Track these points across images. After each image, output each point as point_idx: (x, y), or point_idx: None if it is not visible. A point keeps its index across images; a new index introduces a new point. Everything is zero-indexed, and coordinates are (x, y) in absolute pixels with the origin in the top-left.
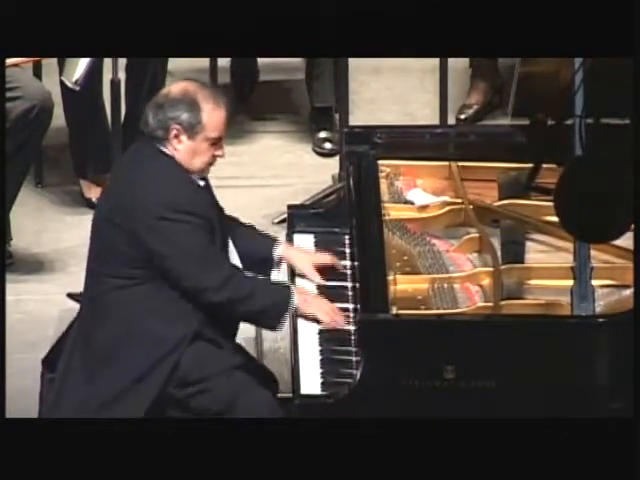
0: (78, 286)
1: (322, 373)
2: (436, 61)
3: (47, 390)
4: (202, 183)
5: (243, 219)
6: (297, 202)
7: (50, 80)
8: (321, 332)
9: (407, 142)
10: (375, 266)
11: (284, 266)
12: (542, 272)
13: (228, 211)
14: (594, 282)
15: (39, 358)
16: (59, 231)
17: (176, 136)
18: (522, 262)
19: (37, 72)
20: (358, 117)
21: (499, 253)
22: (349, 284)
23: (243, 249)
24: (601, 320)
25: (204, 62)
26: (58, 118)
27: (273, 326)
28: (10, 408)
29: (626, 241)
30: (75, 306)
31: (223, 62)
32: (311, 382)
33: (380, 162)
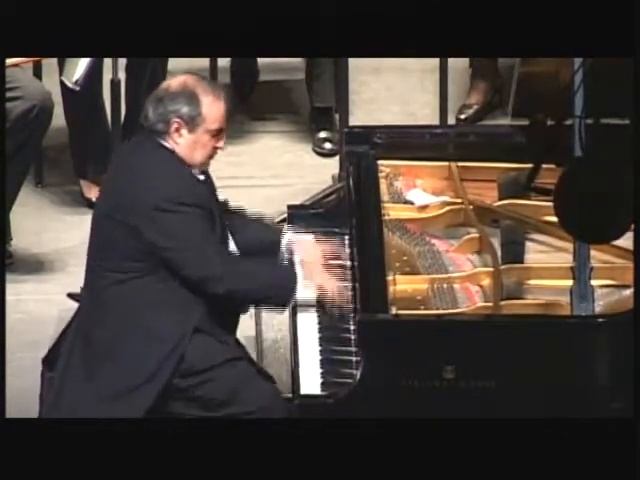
0: (78, 286)
1: (322, 373)
2: (436, 61)
3: (47, 389)
4: (202, 177)
5: None
6: (297, 202)
7: (50, 80)
8: (321, 331)
9: (407, 142)
10: (375, 266)
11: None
12: (542, 272)
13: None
14: (594, 282)
15: (39, 358)
16: (59, 231)
17: (177, 129)
18: (522, 262)
19: (37, 72)
20: (358, 117)
21: (499, 253)
22: (349, 284)
23: (249, 242)
24: (601, 320)
25: (204, 62)
26: (58, 118)
27: (282, 304)
28: (10, 408)
29: (626, 241)
30: (75, 306)
31: (223, 62)
32: (311, 382)
33: (380, 162)
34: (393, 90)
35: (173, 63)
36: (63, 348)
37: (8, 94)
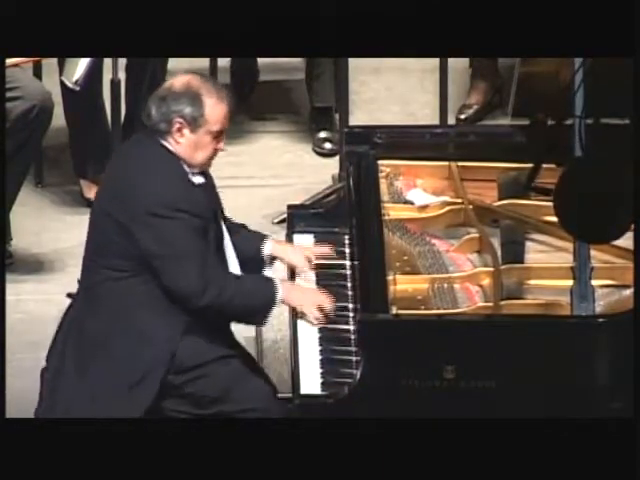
0: (77, 285)
1: (322, 373)
2: (436, 61)
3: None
4: (202, 180)
5: (243, 219)
6: (297, 202)
7: (50, 80)
8: (321, 331)
9: (407, 142)
10: (375, 266)
11: (278, 263)
12: (542, 272)
13: (228, 211)
14: (594, 282)
15: (39, 358)
16: (59, 231)
17: (179, 129)
18: (522, 262)
19: (37, 72)
20: (358, 117)
21: (499, 253)
22: (349, 284)
23: (236, 245)
24: (601, 320)
25: (204, 62)
26: (58, 118)
27: (258, 323)
28: (10, 408)
29: (626, 241)
30: None
31: (223, 62)
32: (311, 382)
33: (380, 162)
34: (393, 90)
35: (173, 63)
36: (56, 343)
37: (8, 94)
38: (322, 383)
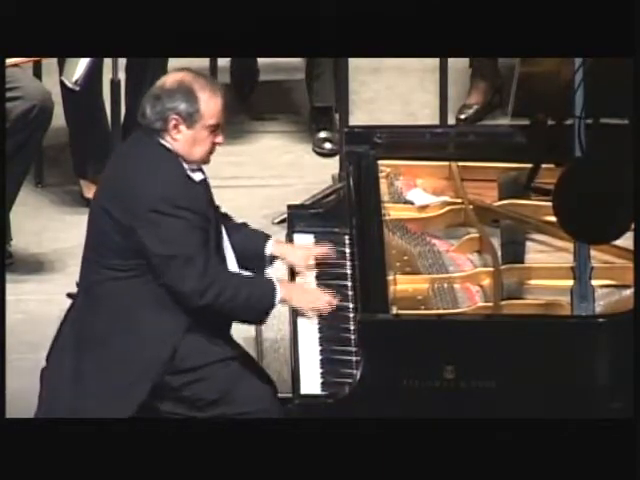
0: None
1: (322, 373)
2: (436, 61)
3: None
4: (201, 177)
5: (243, 219)
6: (297, 202)
7: (50, 80)
8: (321, 331)
9: (407, 142)
10: (375, 266)
11: (278, 263)
12: (542, 272)
13: (228, 211)
14: (594, 282)
15: (39, 358)
16: (59, 231)
17: (175, 126)
18: (522, 262)
19: (37, 72)
20: (358, 117)
21: (499, 253)
22: (349, 284)
23: (234, 247)
24: (601, 320)
25: (204, 62)
26: (58, 118)
27: (257, 323)
28: (10, 408)
29: (626, 241)
30: None
31: (223, 62)
32: (311, 382)
33: (380, 162)
34: (393, 90)
35: (173, 63)
36: (56, 343)
37: (8, 94)
38: (322, 383)
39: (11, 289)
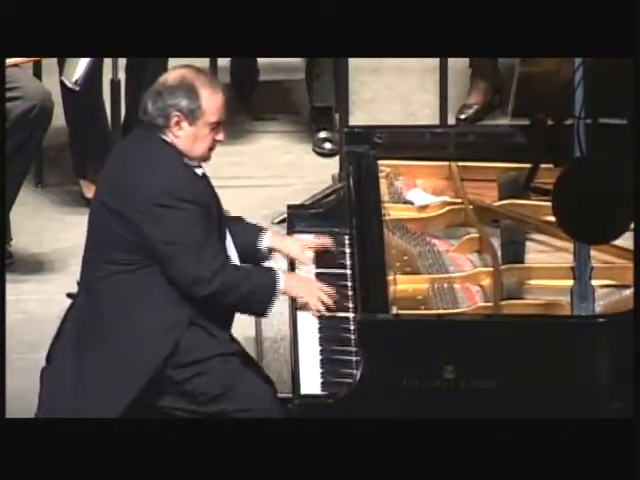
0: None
1: (322, 373)
2: (436, 61)
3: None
4: (202, 172)
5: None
6: (297, 202)
7: (50, 80)
8: (321, 331)
9: (407, 142)
10: (375, 266)
11: (277, 255)
12: (542, 272)
13: (227, 210)
14: (594, 282)
15: (39, 358)
16: (59, 231)
17: (177, 123)
18: (522, 262)
19: (37, 72)
20: (358, 117)
21: (499, 253)
22: (349, 284)
23: (234, 238)
24: (601, 320)
25: (204, 62)
26: (58, 118)
27: (260, 313)
28: (10, 408)
29: (626, 241)
30: None
31: (223, 62)
32: (311, 382)
33: (380, 162)
34: (393, 90)
35: (173, 63)
36: (57, 342)
37: (8, 94)
38: (322, 383)
39: (11, 289)
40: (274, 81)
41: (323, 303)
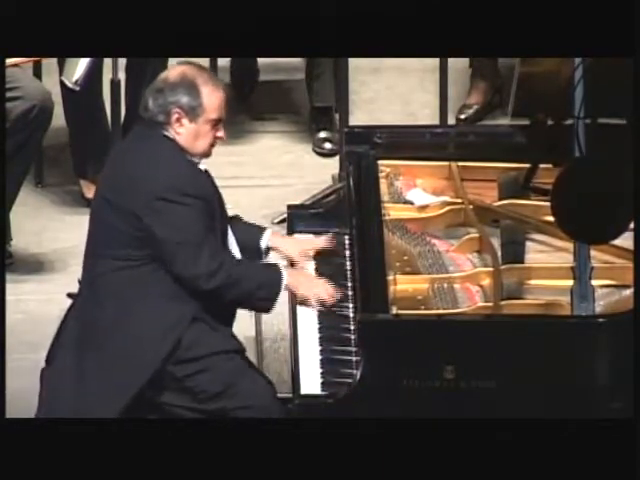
0: (78, 285)
1: (322, 373)
2: (436, 61)
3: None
4: (204, 167)
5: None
6: (297, 202)
7: (50, 80)
8: (321, 331)
9: (407, 142)
10: (375, 266)
11: (273, 254)
12: (542, 272)
13: (228, 211)
14: (594, 282)
15: (39, 358)
16: (59, 231)
17: (178, 120)
18: (522, 262)
19: (37, 72)
20: (358, 117)
21: (499, 253)
22: (349, 284)
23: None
24: (601, 320)
25: (204, 62)
26: (58, 118)
27: (264, 309)
28: (10, 408)
29: (626, 241)
30: None
31: (223, 62)
32: (311, 382)
33: (380, 162)
34: (393, 90)
35: (173, 63)
36: (58, 341)
37: (8, 94)
38: (322, 383)
39: (11, 289)
40: (274, 81)
41: (325, 300)
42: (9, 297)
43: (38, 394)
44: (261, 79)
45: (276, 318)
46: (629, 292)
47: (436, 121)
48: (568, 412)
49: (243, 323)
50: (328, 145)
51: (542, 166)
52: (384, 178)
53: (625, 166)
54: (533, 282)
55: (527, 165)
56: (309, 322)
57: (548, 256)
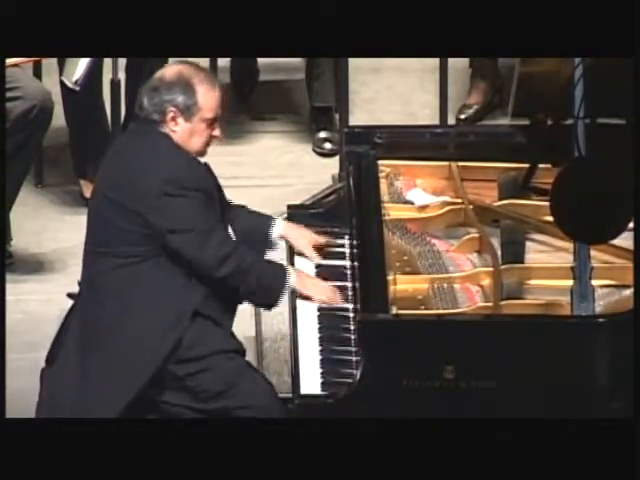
0: (77, 286)
1: (322, 373)
2: (436, 61)
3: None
4: (203, 161)
5: None
6: (297, 202)
7: (50, 80)
8: (321, 331)
9: (407, 142)
10: (375, 266)
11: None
12: (542, 272)
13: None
14: (594, 282)
15: (39, 358)
16: (59, 231)
17: (173, 118)
18: (522, 262)
19: (37, 72)
20: (358, 117)
21: (499, 253)
22: (349, 284)
23: (241, 229)
24: (601, 320)
25: (204, 62)
26: (58, 118)
27: (269, 304)
28: (10, 408)
29: (626, 241)
30: None
31: (223, 62)
32: (311, 382)
33: (380, 162)
34: (393, 90)
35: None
36: (59, 341)
37: (8, 94)
38: (322, 383)
39: (11, 289)
40: (274, 81)
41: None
42: (9, 297)
43: (38, 394)
44: (261, 79)
45: (276, 318)
46: (629, 292)
47: (436, 121)
48: (568, 412)
49: (243, 323)
50: (328, 145)
51: (542, 166)
52: (384, 178)
53: (625, 166)
54: (533, 282)
55: (527, 165)
56: (309, 322)
57: (548, 256)
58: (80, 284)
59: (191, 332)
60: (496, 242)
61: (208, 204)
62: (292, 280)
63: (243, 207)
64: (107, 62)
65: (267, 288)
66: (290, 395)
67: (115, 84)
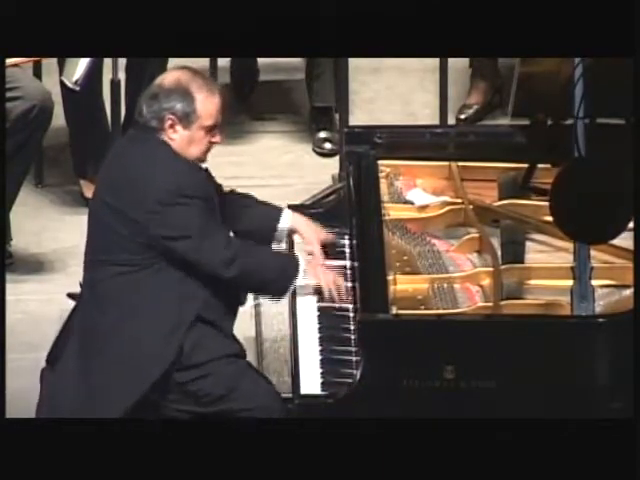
0: (78, 286)
1: (322, 373)
2: (436, 61)
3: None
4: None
5: None
6: (297, 202)
7: (50, 80)
8: (321, 331)
9: (407, 142)
10: (375, 266)
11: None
12: (542, 272)
13: None
14: (594, 282)
15: (39, 358)
16: (59, 231)
17: (171, 126)
18: (522, 262)
19: (37, 72)
20: (358, 117)
21: (499, 253)
22: (349, 284)
23: (250, 220)
24: (601, 320)
25: (204, 62)
26: (58, 118)
27: (280, 295)
28: (10, 408)
29: (626, 241)
30: None
31: (223, 62)
32: (311, 382)
33: (380, 162)
34: (393, 90)
35: (173, 63)
36: (63, 341)
37: (8, 94)
38: (322, 383)
39: (11, 289)
40: (274, 81)
41: (335, 294)
42: (9, 297)
43: (38, 394)
44: (261, 79)
45: (276, 318)
46: (629, 292)
47: (436, 121)
48: (568, 412)
49: (243, 324)
50: (328, 145)
51: (541, 166)
52: (384, 178)
53: (625, 166)
54: (533, 282)
55: (527, 165)
56: (309, 322)
57: (548, 256)
58: (81, 285)
59: (191, 338)
60: (496, 242)
61: (209, 209)
62: (303, 266)
63: (251, 197)
64: (107, 62)
65: (277, 280)
66: (290, 395)
67: (115, 84)
